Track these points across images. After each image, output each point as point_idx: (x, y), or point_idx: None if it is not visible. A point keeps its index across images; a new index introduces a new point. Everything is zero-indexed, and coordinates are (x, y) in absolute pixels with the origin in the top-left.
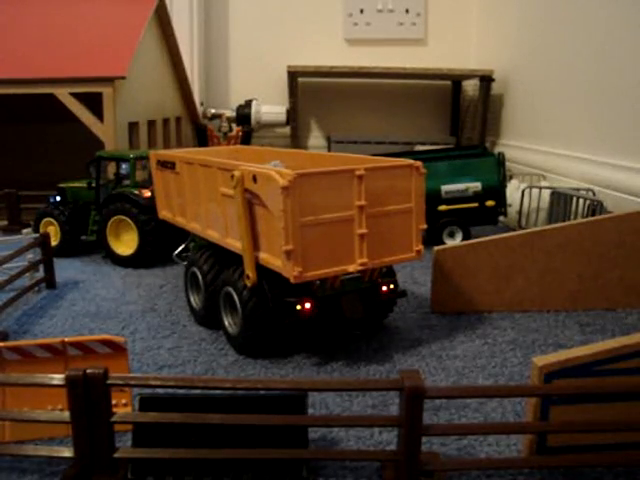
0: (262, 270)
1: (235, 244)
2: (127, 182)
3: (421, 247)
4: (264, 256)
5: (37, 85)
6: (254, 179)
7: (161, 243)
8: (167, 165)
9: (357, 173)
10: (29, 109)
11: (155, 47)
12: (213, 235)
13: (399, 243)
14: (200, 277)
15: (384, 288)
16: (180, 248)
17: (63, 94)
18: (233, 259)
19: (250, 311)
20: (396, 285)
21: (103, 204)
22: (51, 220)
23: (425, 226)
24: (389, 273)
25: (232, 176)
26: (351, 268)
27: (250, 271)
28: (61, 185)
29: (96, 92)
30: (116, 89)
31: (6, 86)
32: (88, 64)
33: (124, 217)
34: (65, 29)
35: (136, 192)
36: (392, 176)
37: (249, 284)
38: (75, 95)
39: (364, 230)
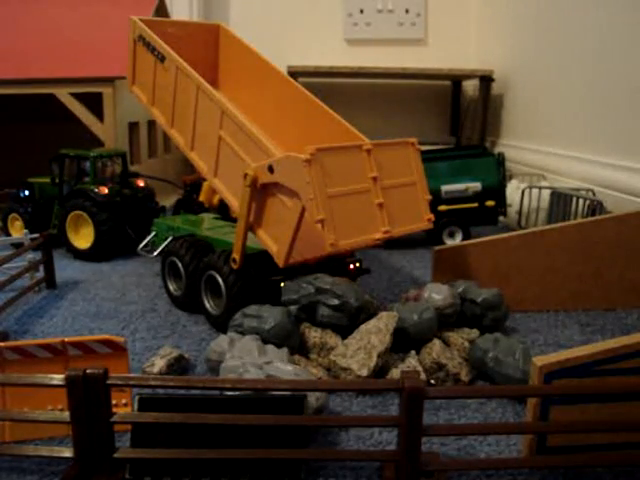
0: (245, 253)
1: (222, 189)
2: (88, 179)
3: (431, 216)
4: (262, 236)
5: (37, 85)
6: (270, 170)
7: (117, 238)
8: (153, 51)
9: (365, 147)
10: (29, 109)
11: None
12: (199, 164)
13: (411, 213)
14: (181, 265)
15: (351, 266)
16: (144, 242)
17: (63, 94)
18: (210, 247)
19: (235, 292)
20: (361, 263)
21: (65, 199)
22: (16, 216)
23: (430, 197)
24: (352, 255)
25: (245, 175)
26: (377, 235)
27: (237, 255)
28: (29, 180)
29: (96, 92)
30: (116, 89)
31: (6, 86)
32: (88, 64)
33: (81, 212)
34: (65, 29)
35: (95, 189)
36: (393, 151)
37: (235, 267)
38: (75, 95)
39: (381, 200)
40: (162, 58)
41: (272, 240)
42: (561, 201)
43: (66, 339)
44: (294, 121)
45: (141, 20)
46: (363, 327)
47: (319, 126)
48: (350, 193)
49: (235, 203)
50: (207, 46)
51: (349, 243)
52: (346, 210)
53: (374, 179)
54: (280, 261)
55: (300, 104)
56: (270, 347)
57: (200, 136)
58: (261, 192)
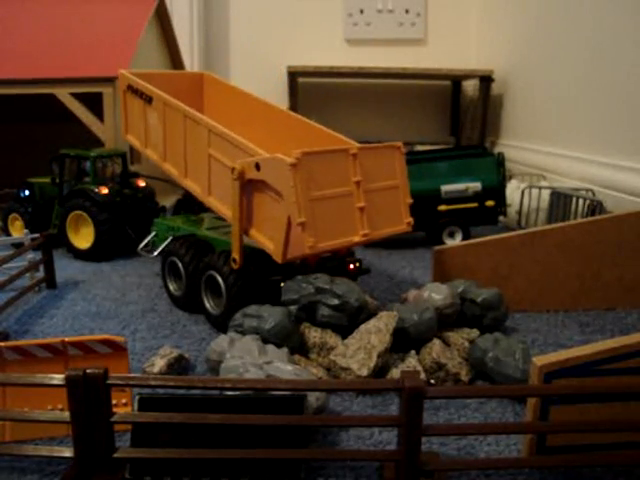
0: (245, 253)
1: (218, 205)
2: (88, 179)
3: (411, 219)
4: (257, 236)
5: (37, 85)
6: (257, 167)
7: (117, 238)
8: (141, 95)
9: (351, 152)
10: (29, 109)
11: (155, 47)
12: (193, 188)
13: (391, 216)
14: (181, 265)
15: (351, 266)
16: (144, 242)
17: (63, 94)
18: (210, 247)
19: (235, 292)
20: (361, 263)
21: (65, 199)
22: (16, 216)
23: (411, 201)
24: (352, 254)
25: (232, 170)
26: (356, 239)
27: (237, 255)
28: (29, 180)
29: (96, 92)
30: (116, 89)
31: (6, 86)
32: (88, 64)
33: (82, 212)
34: (65, 29)
35: (95, 189)
36: (379, 155)
37: (235, 267)
38: (75, 95)
39: (363, 203)
40: (149, 99)
41: (267, 238)
42: (561, 201)
43: (66, 339)
44: (287, 148)
45: (129, 72)
46: (363, 327)
47: (314, 146)
48: (333, 197)
49: (230, 214)
50: (192, 94)
51: (328, 245)
52: (327, 213)
53: (357, 183)
54: (278, 257)
55: (292, 129)
56: (270, 347)
57: (191, 162)
58: (251, 190)
